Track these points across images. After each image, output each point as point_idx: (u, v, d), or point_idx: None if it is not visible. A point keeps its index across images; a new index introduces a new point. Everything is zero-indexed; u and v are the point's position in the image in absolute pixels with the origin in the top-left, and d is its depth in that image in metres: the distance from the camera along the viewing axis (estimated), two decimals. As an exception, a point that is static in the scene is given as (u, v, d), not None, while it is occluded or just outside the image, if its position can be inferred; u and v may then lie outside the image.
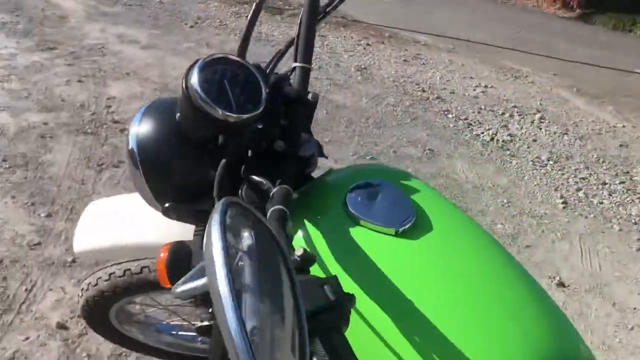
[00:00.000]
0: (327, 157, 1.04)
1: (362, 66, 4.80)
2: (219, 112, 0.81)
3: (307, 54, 0.98)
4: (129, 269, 1.33)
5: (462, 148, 3.69)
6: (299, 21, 0.99)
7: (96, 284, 1.38)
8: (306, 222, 0.91)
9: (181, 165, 0.93)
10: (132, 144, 0.93)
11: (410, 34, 5.94)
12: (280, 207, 0.75)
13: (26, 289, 2.05)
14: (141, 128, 0.93)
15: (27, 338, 1.87)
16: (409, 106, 4.18)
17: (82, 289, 1.43)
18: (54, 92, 3.48)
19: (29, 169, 2.71)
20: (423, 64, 5.15)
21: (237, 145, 0.88)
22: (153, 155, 0.93)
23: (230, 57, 0.88)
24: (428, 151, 3.56)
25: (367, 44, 5.40)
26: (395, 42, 5.66)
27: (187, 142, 0.90)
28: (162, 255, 0.81)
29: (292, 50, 1.02)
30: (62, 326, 1.92)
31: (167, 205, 0.92)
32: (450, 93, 4.56)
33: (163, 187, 0.95)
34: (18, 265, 2.15)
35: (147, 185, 0.94)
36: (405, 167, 3.34)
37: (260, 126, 0.88)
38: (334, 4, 1.07)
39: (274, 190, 0.82)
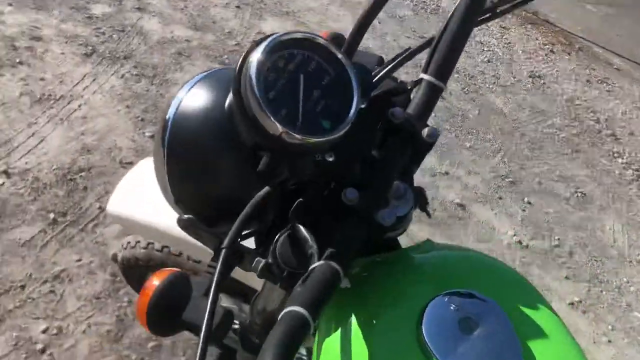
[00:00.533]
0: (429, 215, 0.71)
1: (537, 74, 4.22)
2: (275, 125, 0.53)
3: (444, 68, 0.65)
4: (168, 248, 1.11)
5: (621, 203, 3.10)
6: (446, 21, 0.66)
7: (134, 247, 1.19)
8: (346, 338, 0.59)
9: (218, 173, 0.66)
10: (168, 122, 0.68)
11: (603, 52, 5.17)
12: (300, 310, 0.46)
13: (99, 207, 1.95)
14: (184, 107, 0.67)
15: (79, 260, 1.77)
16: (574, 135, 3.60)
17: (122, 244, 1.25)
18: (208, 11, 3.37)
19: (153, 82, 2.62)
20: (608, 90, 4.44)
21: (290, 174, 0.58)
22: (187, 149, 0.67)
23: (320, 40, 0.59)
24: (579, 195, 3.03)
25: (551, 51, 4.76)
26: (584, 56, 4.94)
27: (235, 145, 0.61)
28: (149, 287, 0.56)
29: (423, 55, 0.69)
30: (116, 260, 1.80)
31: (185, 217, 0.65)
32: (629, 134, 3.88)
33: (187, 193, 0.69)
34: (103, 180, 2.06)
35: (169, 183, 0.69)
36: (544, 206, 2.86)
37: (332, 158, 0.58)
38: (508, 5, 0.72)
39: (316, 265, 0.52)
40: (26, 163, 2.02)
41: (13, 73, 2.37)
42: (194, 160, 0.67)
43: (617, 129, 3.89)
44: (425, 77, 0.66)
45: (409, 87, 0.68)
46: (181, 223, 0.64)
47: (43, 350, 1.53)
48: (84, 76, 2.50)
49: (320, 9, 3.87)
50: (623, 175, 3.37)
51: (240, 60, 0.55)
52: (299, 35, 0.58)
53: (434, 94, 0.66)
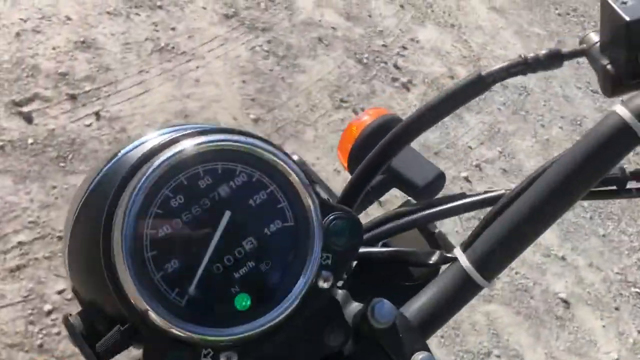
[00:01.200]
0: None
1: None
2: (139, 299, 0.33)
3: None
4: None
5: None
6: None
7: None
8: None
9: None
10: (88, 187, 0.49)
11: None
12: None
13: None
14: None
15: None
16: None
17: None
18: (369, 3, 3.15)
19: (280, 63, 2.48)
20: None
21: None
22: (91, 235, 0.47)
23: (278, 159, 0.37)
24: None
25: None
26: None
27: None
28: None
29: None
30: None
31: (71, 317, 0.46)
32: None
33: (82, 287, 0.51)
34: None
35: (67, 262, 0.51)
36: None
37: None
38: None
39: None
40: (120, 110, 1.97)
41: (148, 15, 2.35)
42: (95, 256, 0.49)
43: None
44: (462, 259, 0.41)
45: (430, 262, 0.43)
46: (66, 322, 0.46)
47: (49, 312, 1.46)
48: (215, 37, 2.42)
49: (490, 30, 3.50)
50: None
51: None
52: (228, 144, 0.36)
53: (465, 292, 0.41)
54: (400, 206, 0.50)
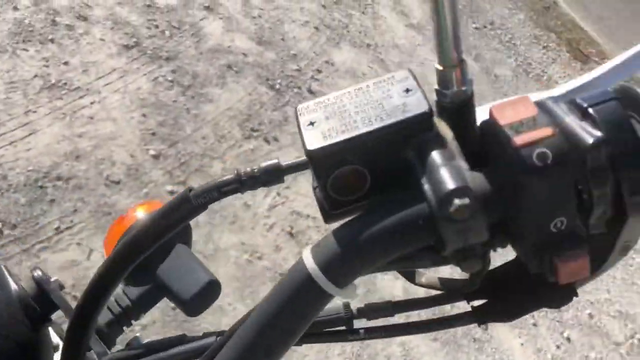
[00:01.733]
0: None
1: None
2: None
3: None
4: None
5: None
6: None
7: None
8: None
9: None
10: None
11: None
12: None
13: (57, 228, 1.73)
14: None
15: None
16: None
17: None
18: (282, 26, 3.10)
19: (185, 93, 2.39)
20: None
21: None
22: None
23: None
24: None
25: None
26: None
27: None
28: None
29: None
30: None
31: None
32: None
33: None
34: (77, 195, 1.84)
35: None
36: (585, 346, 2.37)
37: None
38: None
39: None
40: (1, 156, 1.83)
41: (38, 50, 2.21)
42: None
43: None
44: None
45: None
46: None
47: None
48: (113, 70, 2.31)
49: (407, 48, 3.50)
50: None
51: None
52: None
53: None
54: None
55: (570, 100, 0.33)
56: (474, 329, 2.21)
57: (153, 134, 2.16)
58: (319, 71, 2.91)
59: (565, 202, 0.31)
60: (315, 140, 0.33)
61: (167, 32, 2.61)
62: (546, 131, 0.31)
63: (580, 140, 0.31)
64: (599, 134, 0.30)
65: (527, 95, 0.33)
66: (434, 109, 0.36)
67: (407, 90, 0.35)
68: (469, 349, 2.14)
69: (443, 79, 0.34)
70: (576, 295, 0.38)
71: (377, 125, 0.33)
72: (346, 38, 3.28)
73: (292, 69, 2.83)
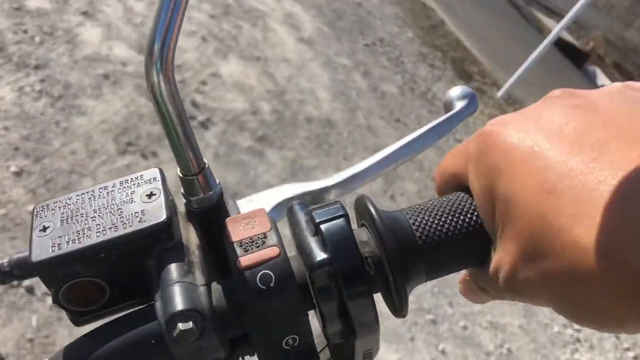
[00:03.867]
0: None
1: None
2: None
3: None
4: None
5: None
6: None
7: None
8: None
9: None
10: None
11: None
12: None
13: None
14: None
15: None
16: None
17: None
18: (167, 35, 3.00)
19: (55, 105, 2.25)
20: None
21: None
22: None
23: None
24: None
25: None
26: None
27: None
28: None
29: None
30: None
31: None
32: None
33: None
34: None
35: None
36: (460, 361, 2.48)
37: None
38: None
39: None
40: None
41: None
42: None
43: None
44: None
45: None
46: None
47: None
48: (-29, 78, 2.13)
49: (297, 62, 3.52)
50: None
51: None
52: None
53: None
54: None
55: (309, 211, 0.33)
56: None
57: (16, 148, 2.01)
58: (205, 83, 2.85)
59: (293, 321, 0.31)
60: (42, 250, 0.30)
61: (37, 38, 2.45)
62: (273, 251, 0.31)
63: (308, 259, 0.31)
64: (323, 255, 0.30)
65: (263, 209, 0.33)
66: (185, 212, 0.35)
67: (150, 195, 0.33)
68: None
69: (187, 186, 0.34)
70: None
71: (109, 235, 0.31)
72: (235, 50, 3.25)
73: (176, 80, 2.75)
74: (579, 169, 0.25)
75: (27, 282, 1.68)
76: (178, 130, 0.31)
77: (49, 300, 1.71)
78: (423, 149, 0.48)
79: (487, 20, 6.62)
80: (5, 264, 0.33)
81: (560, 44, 6.76)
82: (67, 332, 1.68)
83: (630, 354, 3.00)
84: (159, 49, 0.28)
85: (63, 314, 1.70)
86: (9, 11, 2.47)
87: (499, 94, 4.69)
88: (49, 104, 2.23)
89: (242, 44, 3.31)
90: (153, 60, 0.28)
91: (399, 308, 0.31)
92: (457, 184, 0.34)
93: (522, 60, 4.50)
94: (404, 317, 0.32)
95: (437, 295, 2.67)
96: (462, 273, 0.37)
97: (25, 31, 2.44)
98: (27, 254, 0.33)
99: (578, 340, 2.99)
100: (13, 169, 1.95)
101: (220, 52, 3.13)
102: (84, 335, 0.31)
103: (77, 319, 0.33)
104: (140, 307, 0.32)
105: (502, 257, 0.29)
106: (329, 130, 3.11)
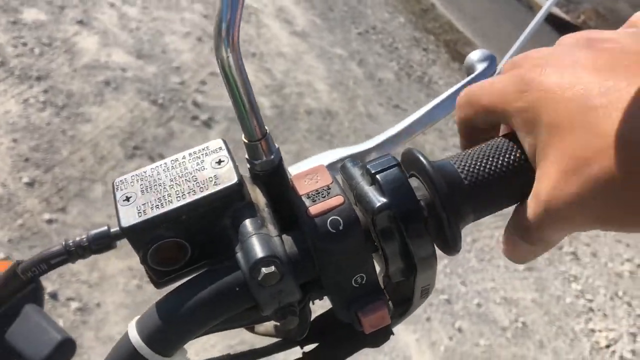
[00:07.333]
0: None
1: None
2: None
3: None
4: None
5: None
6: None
7: None
8: None
9: None
10: None
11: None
12: None
13: None
14: None
15: None
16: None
17: None
18: (162, 38, 3.04)
19: (60, 114, 2.27)
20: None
21: None
22: None
23: None
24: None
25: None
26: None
27: None
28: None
29: None
30: None
31: None
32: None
33: None
34: None
35: None
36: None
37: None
38: None
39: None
40: None
41: None
42: None
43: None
44: None
45: None
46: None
47: None
48: (-24, 94, 2.16)
49: (292, 56, 3.54)
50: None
51: None
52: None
53: None
54: None
55: (363, 165, 0.36)
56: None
57: (26, 159, 2.04)
58: (204, 83, 2.87)
59: (361, 261, 0.35)
60: (130, 217, 0.34)
61: (36, 50, 2.47)
62: (338, 200, 0.34)
63: (369, 205, 0.34)
64: (383, 200, 0.33)
65: (322, 165, 0.36)
66: (249, 176, 0.38)
67: (219, 162, 0.37)
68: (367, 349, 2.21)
69: (251, 151, 0.37)
70: (392, 334, 0.42)
71: (189, 199, 0.34)
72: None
73: (175, 82, 2.78)
74: (615, 87, 0.29)
75: (50, 288, 1.71)
76: (244, 100, 0.33)
77: (73, 305, 1.74)
78: (450, 111, 0.51)
79: (477, 1, 6.63)
80: (85, 239, 0.36)
81: (551, 19, 6.78)
82: (93, 335, 1.71)
83: (643, 319, 3.04)
84: (227, 27, 0.31)
85: (88, 318, 1.74)
86: (7, 25, 2.49)
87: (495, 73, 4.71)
88: (54, 114, 2.25)
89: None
90: (222, 38, 0.31)
91: (453, 244, 0.35)
92: (487, 117, 0.37)
93: (514, 39, 4.51)
94: (458, 252, 0.35)
95: (450, 276, 2.71)
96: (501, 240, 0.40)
97: (24, 44, 2.46)
98: (104, 228, 0.36)
99: (591, 309, 3.03)
100: (25, 180, 1.97)
101: (217, 51, 3.15)
102: (172, 291, 0.35)
103: (160, 279, 0.36)
104: (220, 262, 0.35)
105: (543, 182, 0.32)
106: (329, 120, 3.14)
